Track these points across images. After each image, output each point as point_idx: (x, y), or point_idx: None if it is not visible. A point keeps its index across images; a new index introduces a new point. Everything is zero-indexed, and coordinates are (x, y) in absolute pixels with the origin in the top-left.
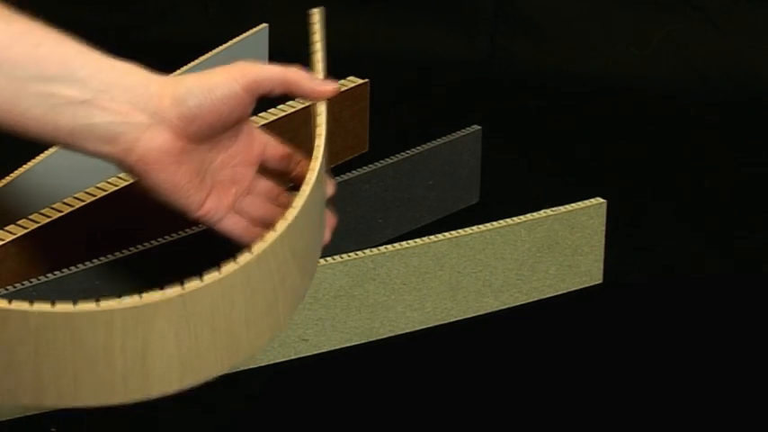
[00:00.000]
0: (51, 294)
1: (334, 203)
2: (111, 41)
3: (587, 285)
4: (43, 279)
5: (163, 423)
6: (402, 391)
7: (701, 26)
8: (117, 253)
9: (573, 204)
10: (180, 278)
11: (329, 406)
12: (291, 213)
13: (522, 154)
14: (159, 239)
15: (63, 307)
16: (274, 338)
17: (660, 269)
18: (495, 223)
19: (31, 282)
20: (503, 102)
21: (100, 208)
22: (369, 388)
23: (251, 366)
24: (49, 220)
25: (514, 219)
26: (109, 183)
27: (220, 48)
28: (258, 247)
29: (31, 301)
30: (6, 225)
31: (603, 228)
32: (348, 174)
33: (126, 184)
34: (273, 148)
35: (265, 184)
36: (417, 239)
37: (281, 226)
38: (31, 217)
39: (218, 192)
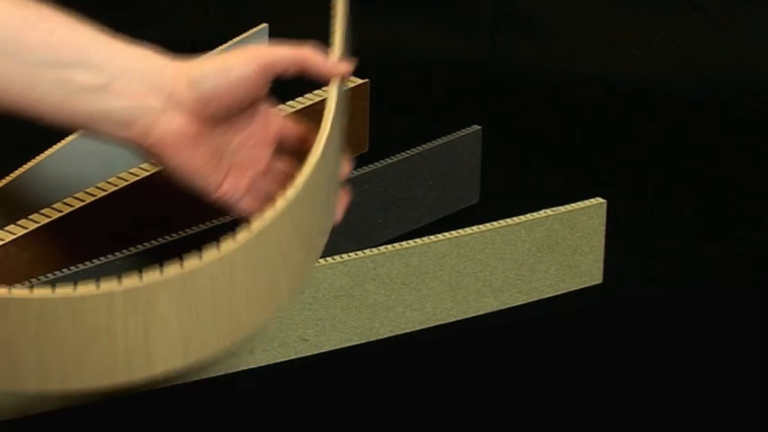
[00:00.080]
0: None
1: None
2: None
3: (587, 285)
4: (59, 274)
5: (163, 423)
6: (402, 392)
7: (701, 26)
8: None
9: (573, 204)
10: None
11: (329, 406)
12: (292, 191)
13: (522, 154)
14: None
15: (63, 291)
16: (276, 314)
17: (660, 269)
18: (495, 223)
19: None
20: (503, 102)
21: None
22: (369, 388)
23: (251, 366)
24: (60, 214)
25: (514, 219)
26: (120, 178)
27: (220, 48)
28: (257, 225)
29: (31, 288)
30: (19, 218)
31: (603, 228)
32: (348, 174)
33: (137, 178)
34: (290, 128)
35: (283, 165)
36: (417, 239)
37: (281, 204)
38: (43, 211)
39: (235, 173)
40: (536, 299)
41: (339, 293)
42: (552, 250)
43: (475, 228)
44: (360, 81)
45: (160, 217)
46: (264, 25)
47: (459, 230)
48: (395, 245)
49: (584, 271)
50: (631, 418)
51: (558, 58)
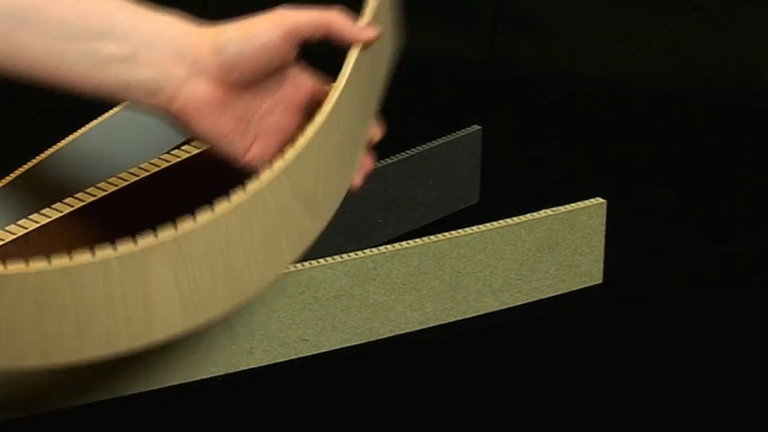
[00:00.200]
0: None
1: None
2: None
3: (587, 285)
4: None
5: (163, 423)
6: (402, 392)
7: (701, 26)
8: None
9: (573, 204)
10: None
11: (329, 406)
12: (291, 153)
13: (522, 154)
14: None
15: (59, 262)
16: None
17: (660, 269)
18: (495, 223)
19: None
20: (503, 102)
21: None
22: (369, 388)
23: (251, 366)
24: (82, 203)
25: (514, 219)
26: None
27: None
28: (252, 186)
29: (27, 263)
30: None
31: (603, 228)
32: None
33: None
34: (323, 93)
35: None
36: (417, 239)
37: (279, 165)
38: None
39: (263, 138)
40: (536, 299)
41: (339, 293)
42: (552, 250)
43: (475, 228)
44: None
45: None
46: None
47: (459, 230)
48: (395, 245)
49: (584, 271)
50: (631, 418)
51: (558, 58)
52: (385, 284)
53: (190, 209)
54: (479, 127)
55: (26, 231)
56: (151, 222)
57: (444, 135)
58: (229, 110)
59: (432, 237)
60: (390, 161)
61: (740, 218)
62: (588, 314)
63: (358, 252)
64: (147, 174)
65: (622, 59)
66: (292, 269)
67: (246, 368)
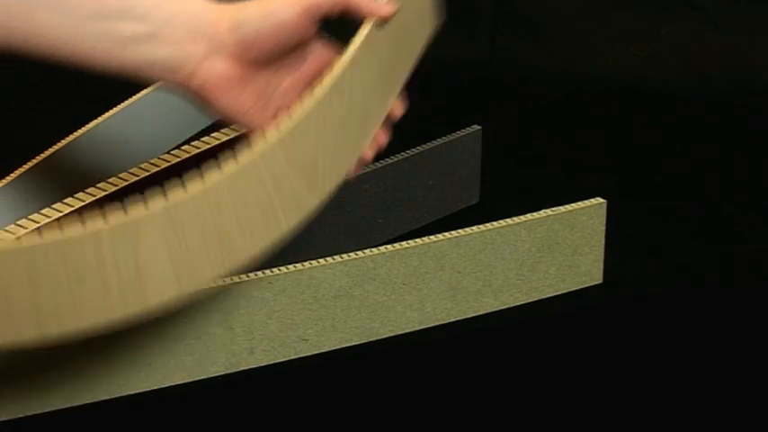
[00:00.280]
0: None
1: (334, 203)
2: None
3: (587, 285)
4: None
5: (163, 423)
6: (402, 392)
7: (701, 26)
8: None
9: (573, 204)
10: None
11: (329, 406)
12: (286, 123)
13: (522, 154)
14: None
15: (51, 235)
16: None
17: (660, 269)
18: (495, 223)
19: None
20: (503, 102)
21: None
22: (369, 388)
23: (251, 366)
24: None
25: (514, 219)
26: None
27: None
28: (245, 157)
29: (18, 238)
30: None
31: (603, 228)
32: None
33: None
34: None
35: None
36: (417, 239)
37: (272, 135)
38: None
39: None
40: (536, 299)
41: (339, 293)
42: (552, 250)
43: (475, 228)
44: None
45: None
46: None
47: (459, 230)
48: (395, 245)
49: (584, 271)
50: (631, 418)
51: (558, 58)
52: (385, 284)
53: None
54: (479, 127)
55: (38, 225)
56: None
57: (444, 135)
58: (249, 86)
59: (432, 237)
60: (390, 161)
61: (740, 218)
62: (588, 314)
63: (358, 252)
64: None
65: (622, 59)
66: (292, 269)
67: (246, 368)
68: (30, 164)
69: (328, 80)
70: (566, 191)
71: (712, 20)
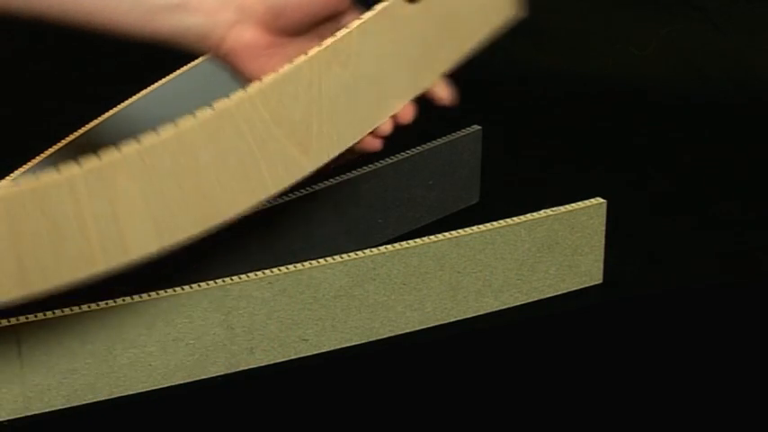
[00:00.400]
0: None
1: (334, 203)
2: (111, 41)
3: (587, 285)
4: None
5: (163, 423)
6: (402, 392)
7: (701, 26)
8: None
9: (573, 204)
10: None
11: (329, 406)
12: (268, 78)
13: (522, 154)
14: None
15: (27, 184)
16: (257, 204)
17: (660, 269)
18: (495, 223)
19: None
20: (503, 102)
21: None
22: (369, 388)
23: (251, 366)
24: None
25: (514, 219)
26: None
27: None
28: (220, 105)
29: None
30: None
31: (603, 228)
32: (348, 174)
33: None
34: None
35: None
36: (417, 239)
37: (253, 87)
38: None
39: None
40: (536, 299)
41: (339, 293)
42: (552, 250)
43: (475, 228)
44: None
45: None
46: None
47: (459, 230)
48: (395, 245)
49: (584, 271)
50: (631, 418)
51: (558, 58)
52: (385, 284)
53: None
54: (479, 127)
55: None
56: None
57: (444, 135)
58: (279, 54)
59: (432, 237)
60: (390, 161)
61: (740, 218)
62: (588, 314)
63: (358, 252)
64: None
65: (622, 59)
66: (292, 269)
67: (246, 368)
68: (30, 164)
69: (327, 42)
70: (566, 191)
71: (712, 20)
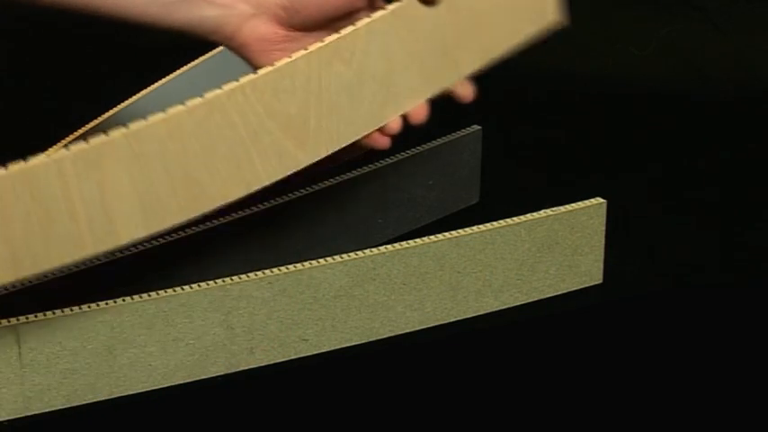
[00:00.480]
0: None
1: (334, 203)
2: (111, 41)
3: (587, 285)
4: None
5: (163, 423)
6: (402, 392)
7: (701, 26)
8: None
9: (573, 204)
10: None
11: (329, 406)
12: (262, 70)
13: (523, 154)
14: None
15: (16, 167)
16: (247, 191)
17: (660, 269)
18: (495, 223)
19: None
20: (503, 102)
21: None
22: (369, 388)
23: (251, 366)
24: None
25: (514, 219)
26: None
27: (220, 48)
28: (210, 94)
29: None
30: None
31: (603, 228)
32: (348, 174)
33: None
34: None
35: None
36: (417, 239)
37: (245, 79)
38: None
39: None
40: (536, 299)
41: (339, 293)
42: (552, 250)
43: (475, 228)
44: None
45: None
46: None
47: (459, 230)
48: (395, 245)
49: (584, 271)
50: (631, 418)
51: (558, 58)
52: (385, 284)
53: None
54: (479, 127)
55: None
56: None
57: (444, 135)
58: (292, 48)
59: (432, 237)
60: (390, 161)
61: (740, 217)
62: (588, 314)
63: (358, 252)
64: None
65: (622, 59)
66: (292, 269)
67: (246, 368)
68: None
69: (329, 39)
70: (566, 191)
71: (712, 20)
